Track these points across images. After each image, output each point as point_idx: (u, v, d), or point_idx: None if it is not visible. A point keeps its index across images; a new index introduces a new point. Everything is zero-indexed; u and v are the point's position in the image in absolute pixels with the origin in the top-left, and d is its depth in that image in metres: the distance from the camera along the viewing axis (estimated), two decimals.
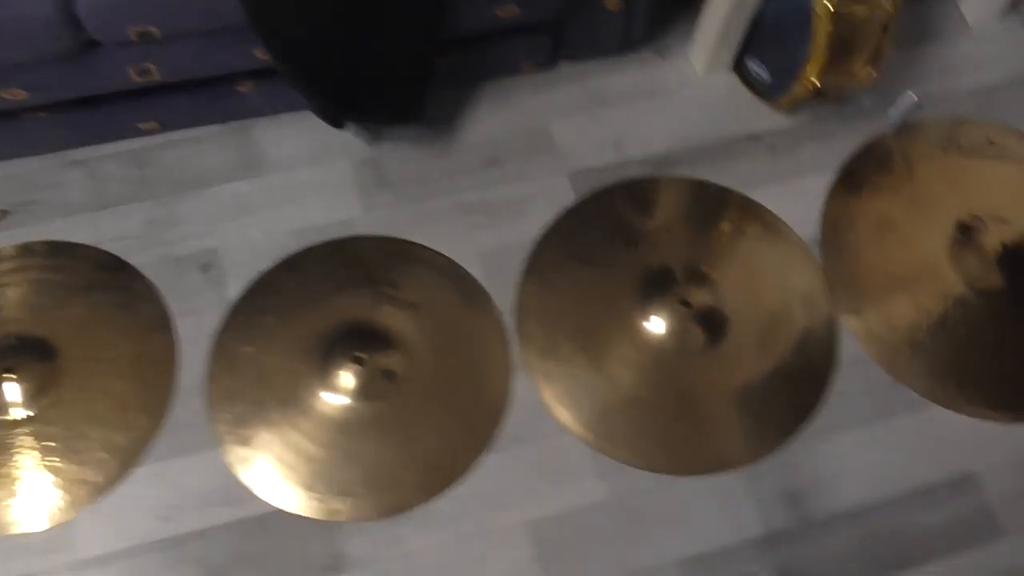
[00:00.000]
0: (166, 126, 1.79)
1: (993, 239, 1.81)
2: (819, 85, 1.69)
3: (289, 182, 1.79)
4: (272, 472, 1.52)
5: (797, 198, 1.84)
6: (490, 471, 1.56)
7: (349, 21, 1.51)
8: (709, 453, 1.61)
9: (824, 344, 1.70)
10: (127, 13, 1.45)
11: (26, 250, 1.67)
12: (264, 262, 1.70)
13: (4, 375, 1.54)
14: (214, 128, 1.83)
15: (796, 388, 1.67)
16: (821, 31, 1.62)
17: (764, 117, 1.92)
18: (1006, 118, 1.98)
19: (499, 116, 1.88)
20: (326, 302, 1.63)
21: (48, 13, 1.40)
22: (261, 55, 1.58)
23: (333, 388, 1.56)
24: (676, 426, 1.62)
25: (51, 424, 1.54)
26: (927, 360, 1.71)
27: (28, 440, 1.52)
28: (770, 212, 1.82)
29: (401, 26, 1.55)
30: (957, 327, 1.74)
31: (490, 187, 1.80)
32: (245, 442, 1.53)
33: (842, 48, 1.66)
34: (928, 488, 1.64)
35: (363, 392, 1.55)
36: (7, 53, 1.46)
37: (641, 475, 1.59)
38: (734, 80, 1.95)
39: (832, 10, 1.61)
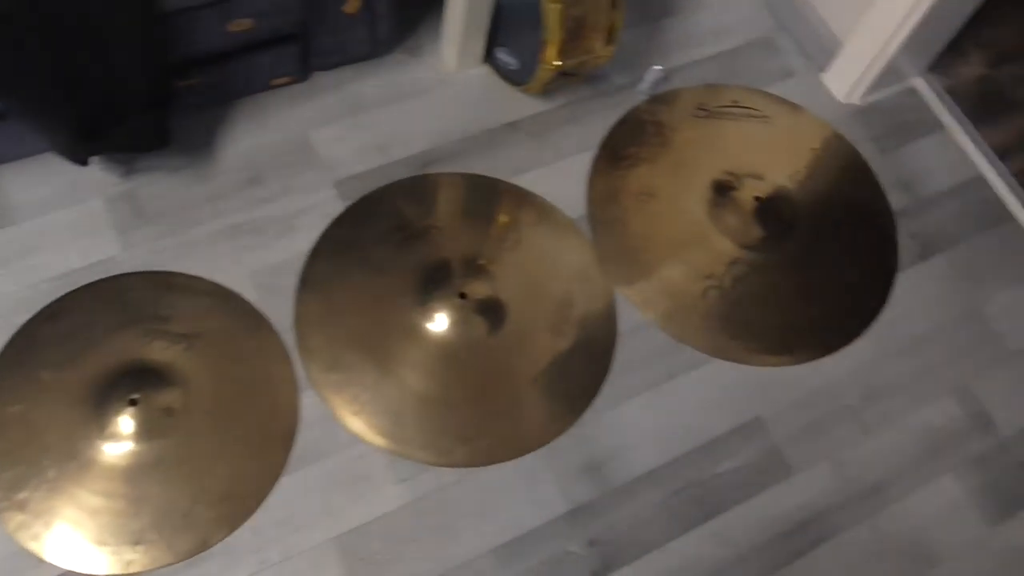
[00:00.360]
0: None
1: (747, 194, 1.93)
2: (560, 65, 1.76)
3: (41, 228, 1.72)
4: (58, 533, 1.46)
5: (562, 179, 1.91)
6: (288, 493, 1.56)
7: (57, 49, 1.46)
8: (508, 440, 1.65)
9: (604, 317, 1.78)
10: None
11: None
12: (22, 315, 1.64)
13: None
14: None
15: (585, 364, 1.74)
16: (551, 13, 1.68)
17: (521, 104, 1.98)
18: (748, 79, 2.11)
19: (257, 134, 1.87)
20: (94, 347, 1.58)
21: None
22: None
23: (112, 435, 1.52)
24: (472, 418, 1.65)
25: None
26: (703, 317, 1.81)
27: None
28: (538, 196, 1.88)
29: (116, 50, 1.51)
30: (727, 282, 1.85)
31: (255, 207, 1.79)
32: (23, 507, 1.47)
33: (576, 28, 1.73)
34: (719, 439, 1.73)
35: (143, 434, 1.52)
36: None
37: (442, 472, 1.61)
38: (487, 71, 2.01)
39: None
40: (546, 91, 1.94)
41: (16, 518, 1.46)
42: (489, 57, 1.97)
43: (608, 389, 1.73)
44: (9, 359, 1.57)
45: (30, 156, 1.75)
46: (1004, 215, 2.04)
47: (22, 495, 1.48)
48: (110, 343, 1.58)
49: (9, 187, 1.75)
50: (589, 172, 1.92)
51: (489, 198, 1.87)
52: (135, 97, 1.60)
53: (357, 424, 1.60)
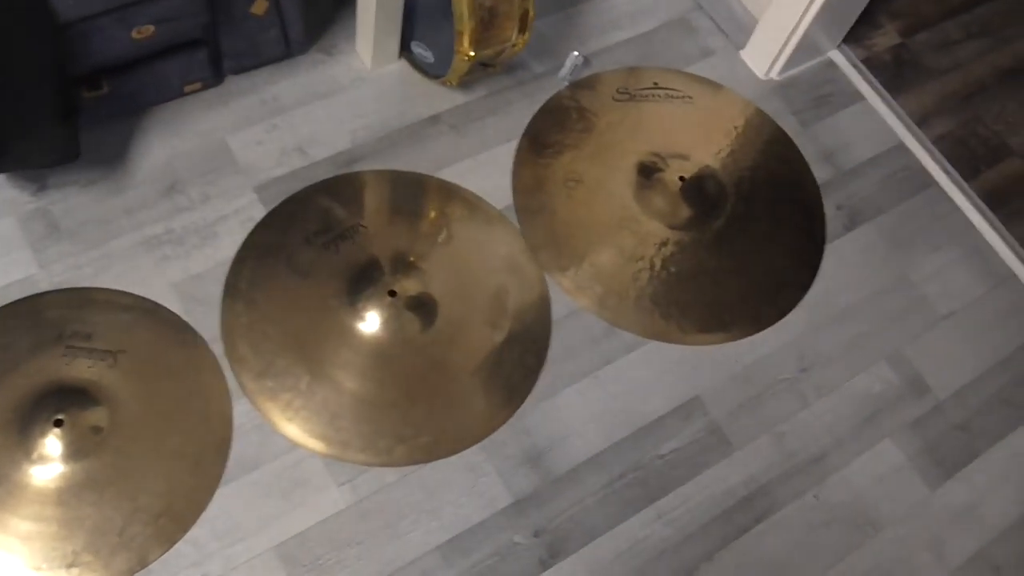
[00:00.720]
0: None
1: (673, 175, 1.98)
2: (475, 56, 1.78)
3: None
4: None
5: (488, 171, 1.94)
6: (227, 505, 1.56)
7: None
8: (448, 436, 1.68)
9: (538, 307, 1.81)
10: None
11: None
12: None
13: None
14: None
15: (521, 355, 1.77)
16: (462, 3, 1.70)
17: (441, 98, 2.01)
18: (668, 60, 2.16)
19: (172, 142, 1.87)
20: (15, 370, 1.57)
21: None
22: None
23: (40, 458, 1.51)
24: (410, 416, 1.67)
25: None
26: (636, 300, 1.85)
27: None
28: (465, 189, 1.91)
29: (12, 63, 1.50)
30: (657, 263, 1.89)
31: (174, 216, 1.79)
32: None
33: (489, 17, 1.76)
34: (659, 420, 1.77)
35: (71, 455, 1.52)
36: None
37: (383, 472, 1.63)
38: (405, 67, 2.03)
39: None
40: (464, 83, 1.96)
41: None
42: (405, 52, 1.99)
43: (546, 378, 1.76)
44: None
45: None
46: (926, 181, 2.11)
47: None
48: (32, 364, 1.58)
49: None
50: (514, 162, 1.95)
51: (415, 194, 1.88)
52: (38, 111, 1.59)
53: (292, 430, 1.61)
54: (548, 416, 1.72)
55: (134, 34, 1.63)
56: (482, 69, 1.90)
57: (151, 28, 1.64)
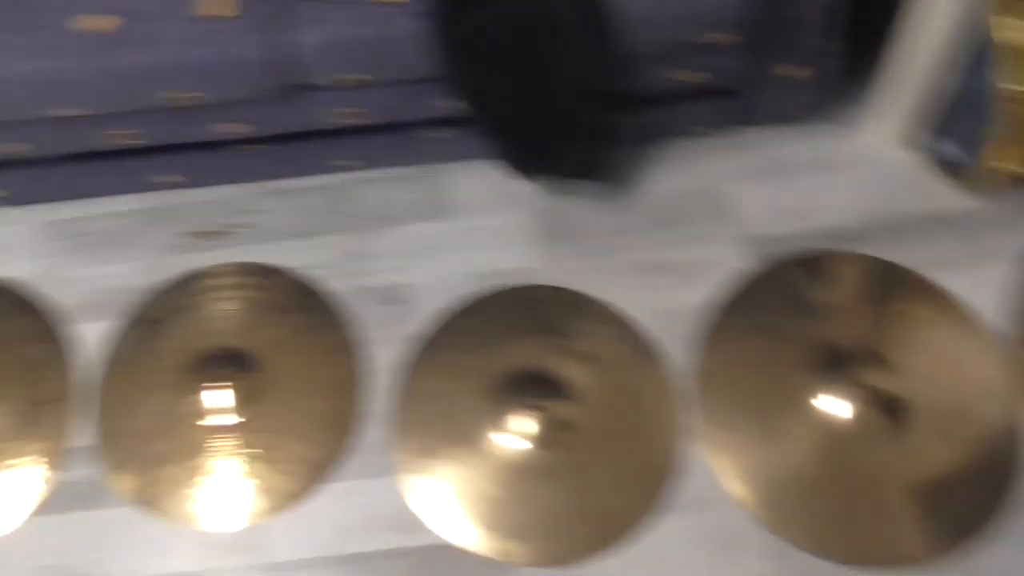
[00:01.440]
0: (365, 164, 2.13)
1: None
2: (1015, 170, 1.89)
3: (472, 227, 2.09)
4: (445, 505, 1.77)
5: (987, 286, 2.00)
6: (654, 534, 1.76)
7: (538, 85, 1.83)
8: (881, 546, 1.77)
9: (1011, 444, 1.86)
10: (343, 61, 1.81)
11: (241, 269, 2.04)
12: (446, 301, 2.00)
13: (221, 383, 1.88)
14: (408, 170, 2.15)
15: (981, 488, 1.81)
16: (1016, 112, 1.82)
17: (951, 198, 2.10)
18: None
19: (676, 177, 2.13)
20: (504, 347, 1.90)
21: (256, 57, 1.77)
22: (452, 105, 1.89)
23: (511, 431, 1.82)
24: (848, 513, 1.79)
25: (256, 432, 1.87)
26: None
27: (234, 445, 1.86)
28: (956, 298, 2.00)
29: (582, 86, 1.85)
30: None
31: (665, 247, 2.04)
32: (422, 473, 1.80)
33: None
34: None
35: (541, 439, 1.80)
36: (216, 92, 1.82)
37: (807, 559, 1.75)
38: (921, 157, 2.15)
39: None
40: (989, 191, 2.06)
41: (414, 481, 1.81)
42: (927, 141, 2.12)
43: (1006, 523, 1.78)
44: (433, 338, 1.96)
45: (472, 160, 2.11)
46: None
47: (424, 462, 1.83)
48: (519, 347, 1.91)
49: (452, 184, 2.15)
50: (1015, 285, 2.01)
51: (900, 288, 2.02)
52: (586, 129, 1.93)
53: (735, 485, 1.81)
54: (1001, 566, 1.75)
55: (679, 75, 1.93)
56: (1015, 182, 2.00)
57: (699, 75, 1.94)
